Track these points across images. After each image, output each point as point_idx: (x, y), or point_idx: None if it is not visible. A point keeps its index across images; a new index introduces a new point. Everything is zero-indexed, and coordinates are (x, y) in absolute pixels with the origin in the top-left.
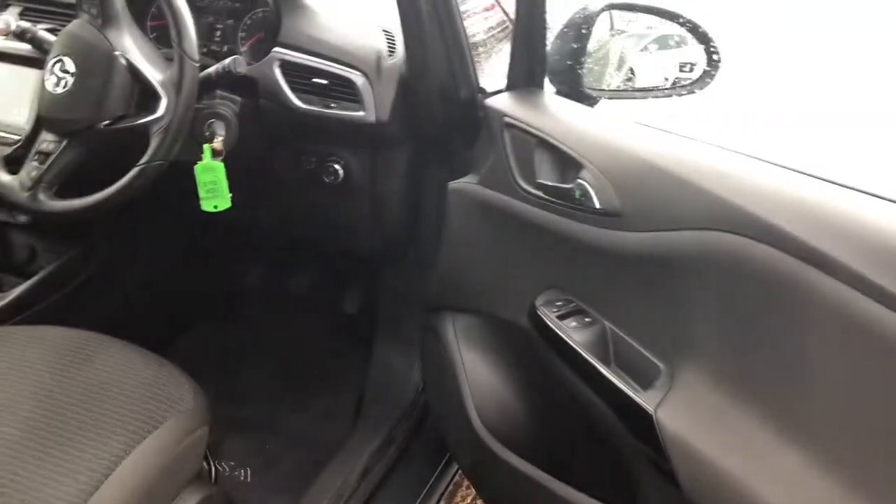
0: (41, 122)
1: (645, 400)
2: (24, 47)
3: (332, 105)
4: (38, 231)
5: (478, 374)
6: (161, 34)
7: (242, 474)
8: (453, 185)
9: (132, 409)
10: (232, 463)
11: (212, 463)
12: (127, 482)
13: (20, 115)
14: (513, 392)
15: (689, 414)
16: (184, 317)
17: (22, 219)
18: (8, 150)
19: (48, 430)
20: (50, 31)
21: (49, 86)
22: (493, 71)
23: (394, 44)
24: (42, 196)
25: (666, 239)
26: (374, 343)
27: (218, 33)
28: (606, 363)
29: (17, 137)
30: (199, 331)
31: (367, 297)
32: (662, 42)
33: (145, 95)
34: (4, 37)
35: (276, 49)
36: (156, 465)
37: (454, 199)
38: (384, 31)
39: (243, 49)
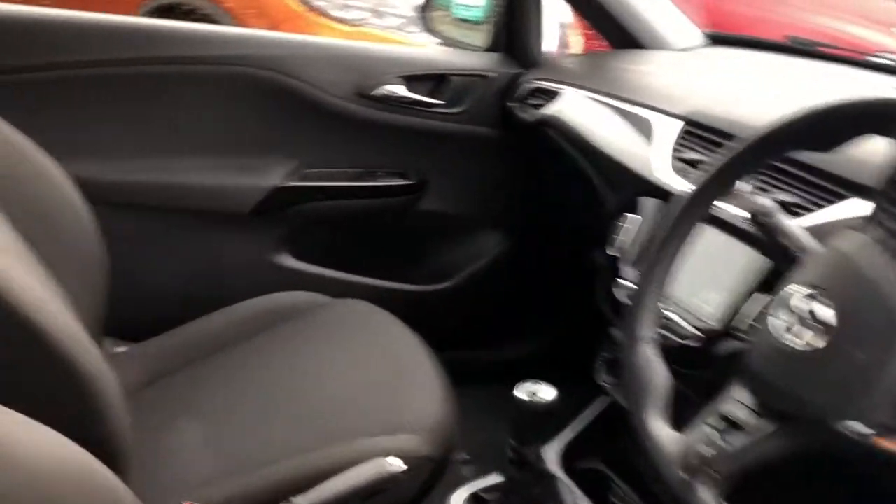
0: (749, 383)
1: None
2: (744, 214)
3: None
4: None
5: None
6: None
7: None
8: None
9: None
10: None
11: None
12: None
13: (708, 304)
14: None
15: None
16: None
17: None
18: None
19: None
20: (784, 205)
21: (774, 328)
22: None
23: None
24: (700, 491)
25: None
26: None
27: None
28: None
29: (694, 333)
30: None
31: None
32: None
33: None
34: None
35: None
36: None
37: None
38: None
39: None
